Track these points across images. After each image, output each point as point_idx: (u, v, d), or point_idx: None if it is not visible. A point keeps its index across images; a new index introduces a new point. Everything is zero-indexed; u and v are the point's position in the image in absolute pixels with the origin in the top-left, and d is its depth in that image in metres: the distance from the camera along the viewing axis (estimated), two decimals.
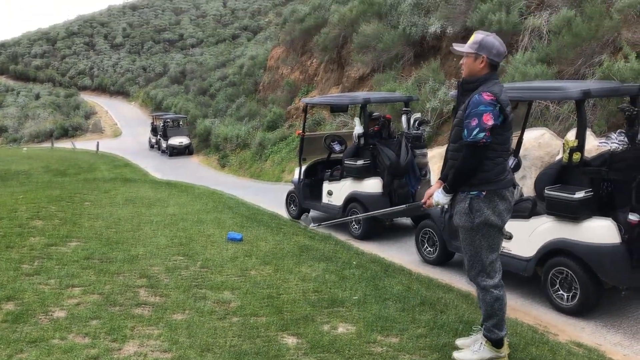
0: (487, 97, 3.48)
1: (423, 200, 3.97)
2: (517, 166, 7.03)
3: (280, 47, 29.44)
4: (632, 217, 5.13)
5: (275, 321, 4.27)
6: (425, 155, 8.90)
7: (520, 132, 7.59)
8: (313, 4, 26.13)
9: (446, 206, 4.06)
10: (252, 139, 24.59)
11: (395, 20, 17.34)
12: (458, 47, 3.74)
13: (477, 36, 3.65)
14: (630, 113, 5.44)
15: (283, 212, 10.63)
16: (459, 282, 6.36)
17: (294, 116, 23.69)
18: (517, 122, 7.69)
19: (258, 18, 67.12)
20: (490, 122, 3.45)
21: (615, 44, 10.35)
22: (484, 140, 3.45)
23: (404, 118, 8.94)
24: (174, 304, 4.57)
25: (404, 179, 8.60)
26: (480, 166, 3.54)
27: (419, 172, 8.67)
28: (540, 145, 9.48)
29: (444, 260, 7.06)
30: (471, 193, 3.61)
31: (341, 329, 4.21)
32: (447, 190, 3.72)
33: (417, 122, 8.87)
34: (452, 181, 3.65)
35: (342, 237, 8.66)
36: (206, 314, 4.37)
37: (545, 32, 12.08)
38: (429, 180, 8.78)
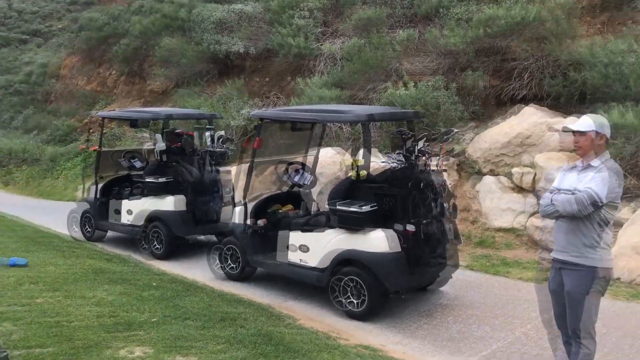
0: None
1: None
2: (313, 183, 7.50)
3: (76, 55, 27.50)
4: (409, 227, 5.78)
5: (64, 350, 3.99)
6: (229, 172, 9.02)
7: (316, 151, 8.12)
8: (112, 13, 24.91)
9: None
10: (41, 153, 22.47)
11: (199, 37, 17.32)
12: None
13: None
14: (406, 136, 6.14)
15: (77, 234, 9.90)
16: (260, 296, 6.52)
17: (91, 130, 22.22)
18: (313, 141, 8.26)
19: (50, 23, 61.79)
20: None
21: (398, 73, 11.58)
22: None
23: (207, 135, 8.96)
24: None
25: (208, 196, 8.60)
26: None
27: (223, 190, 8.74)
28: (334, 163, 10.22)
29: (246, 275, 7.19)
30: None
31: (138, 352, 4.08)
32: None
33: (221, 139, 8.96)
34: None
35: (142, 257, 8.34)
36: None
37: (339, 59, 13.04)
38: (233, 197, 8.89)
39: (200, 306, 5.25)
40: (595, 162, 3.80)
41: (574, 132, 3.88)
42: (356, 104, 11.30)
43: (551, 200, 3.81)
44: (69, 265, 6.50)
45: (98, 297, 5.32)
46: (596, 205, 3.64)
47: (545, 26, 9.76)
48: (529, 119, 8.92)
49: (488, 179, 8.94)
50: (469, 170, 9.48)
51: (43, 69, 34.72)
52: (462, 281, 6.82)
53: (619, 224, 7.07)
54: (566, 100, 9.35)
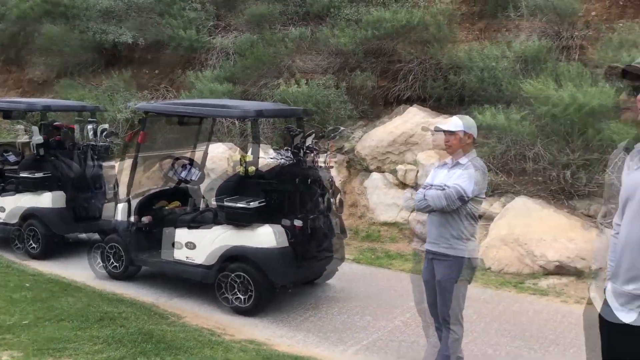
0: None
1: None
2: (202, 178, 7.41)
3: None
4: (297, 222, 5.87)
5: None
6: (113, 167, 8.68)
7: (205, 146, 8.01)
8: None
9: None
10: None
11: (84, 25, 16.45)
12: None
13: None
14: (294, 133, 6.23)
15: None
16: (145, 295, 6.33)
17: None
18: (203, 136, 8.15)
19: None
20: None
21: (290, 70, 11.68)
22: None
23: (89, 128, 8.56)
24: None
25: (89, 193, 8.23)
26: None
27: (106, 186, 8.40)
28: (226, 158, 10.13)
29: (130, 274, 6.95)
30: None
31: (5, 357, 3.84)
32: None
33: (105, 133, 8.59)
34: None
35: (16, 258, 7.80)
36: None
37: (231, 53, 12.92)
38: (117, 194, 8.55)
39: (77, 306, 5.02)
40: (463, 160, 4.07)
41: (444, 131, 4.14)
42: (248, 99, 11.26)
43: (424, 196, 4.05)
44: None
45: None
46: (463, 200, 3.92)
47: (428, 31, 10.26)
48: (412, 119, 9.36)
49: (375, 176, 9.28)
50: (358, 167, 9.79)
51: None
52: (348, 274, 7.03)
53: (490, 218, 7.62)
54: (447, 101, 9.90)
